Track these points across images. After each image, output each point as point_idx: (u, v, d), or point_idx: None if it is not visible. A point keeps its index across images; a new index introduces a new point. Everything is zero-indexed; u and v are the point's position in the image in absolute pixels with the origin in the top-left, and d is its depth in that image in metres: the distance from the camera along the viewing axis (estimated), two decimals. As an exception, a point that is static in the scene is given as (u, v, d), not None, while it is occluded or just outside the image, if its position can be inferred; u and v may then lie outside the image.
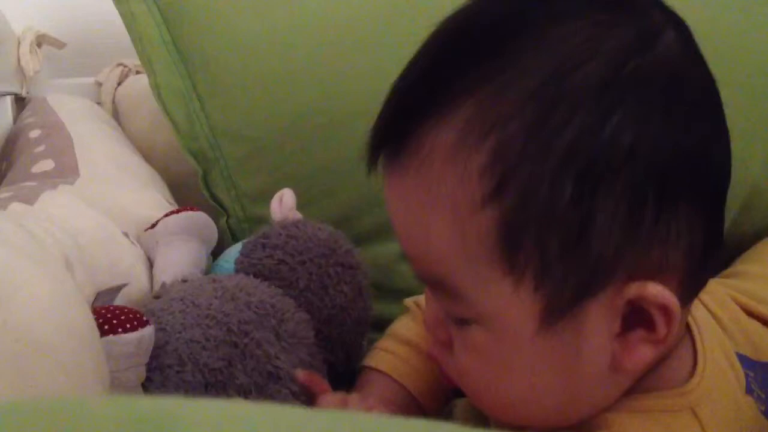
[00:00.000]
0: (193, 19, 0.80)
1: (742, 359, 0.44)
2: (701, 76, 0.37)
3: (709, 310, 0.47)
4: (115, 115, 0.95)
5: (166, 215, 0.66)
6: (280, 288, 0.59)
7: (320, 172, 0.75)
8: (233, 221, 0.81)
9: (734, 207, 0.71)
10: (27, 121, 0.86)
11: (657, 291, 0.35)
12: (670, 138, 0.35)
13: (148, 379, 0.49)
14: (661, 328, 0.36)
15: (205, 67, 0.79)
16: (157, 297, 0.56)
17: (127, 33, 0.81)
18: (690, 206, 0.36)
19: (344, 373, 0.66)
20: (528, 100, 0.34)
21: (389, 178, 0.39)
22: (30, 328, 0.37)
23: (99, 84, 0.97)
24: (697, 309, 0.45)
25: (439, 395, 0.56)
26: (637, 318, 0.36)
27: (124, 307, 0.48)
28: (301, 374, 0.52)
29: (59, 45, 0.96)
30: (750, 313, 0.50)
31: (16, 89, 0.91)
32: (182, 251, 0.63)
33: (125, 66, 0.97)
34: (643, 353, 0.37)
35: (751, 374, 0.43)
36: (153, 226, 0.65)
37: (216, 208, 0.82)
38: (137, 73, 0.96)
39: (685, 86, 0.35)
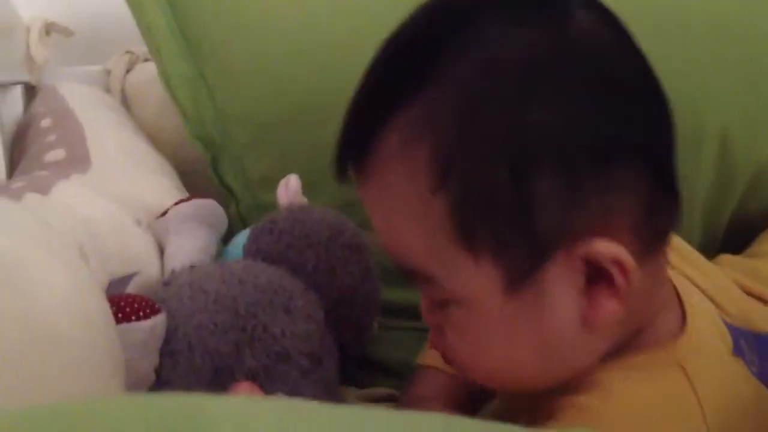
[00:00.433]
0: (200, 7, 0.81)
1: (730, 327, 0.46)
2: (617, 45, 0.40)
3: (696, 285, 0.49)
4: (124, 102, 0.95)
5: (177, 203, 0.67)
6: (288, 272, 0.59)
7: (326, 158, 0.76)
8: (243, 207, 0.82)
9: (741, 185, 0.71)
10: (38, 110, 0.86)
11: (603, 246, 0.38)
12: (592, 109, 0.37)
13: (158, 364, 0.50)
14: (619, 280, 0.38)
15: (213, 54, 0.80)
16: (166, 284, 0.58)
17: (134, 20, 0.82)
18: (625, 166, 0.38)
19: (355, 357, 0.67)
20: (458, 97, 0.38)
21: (358, 185, 0.43)
22: (50, 319, 0.38)
23: (107, 72, 0.98)
24: (683, 284, 0.47)
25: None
26: (597, 274, 0.39)
27: (137, 296, 0.50)
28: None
29: (68, 33, 0.96)
30: (749, 293, 0.52)
31: (26, 78, 0.91)
32: (192, 238, 0.64)
33: (133, 53, 0.98)
34: (611, 308, 0.39)
35: (742, 341, 0.46)
36: (164, 214, 0.66)
37: (226, 195, 0.82)
38: (146, 60, 0.96)
39: (601, 60, 0.38)
